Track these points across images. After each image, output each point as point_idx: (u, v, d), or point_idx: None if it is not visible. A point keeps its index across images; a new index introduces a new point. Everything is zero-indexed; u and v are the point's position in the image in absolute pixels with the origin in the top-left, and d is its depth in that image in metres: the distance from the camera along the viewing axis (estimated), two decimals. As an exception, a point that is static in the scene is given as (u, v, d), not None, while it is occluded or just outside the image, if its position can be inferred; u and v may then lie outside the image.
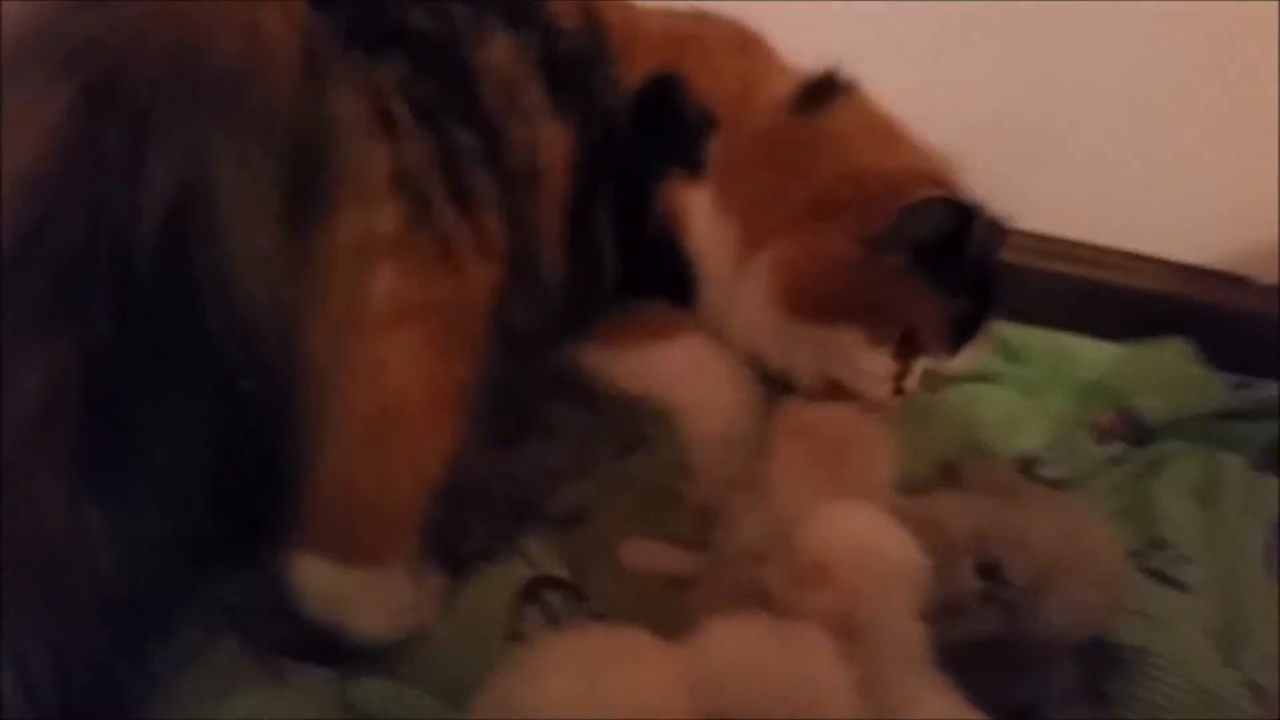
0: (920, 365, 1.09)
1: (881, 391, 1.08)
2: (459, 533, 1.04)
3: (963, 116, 1.31)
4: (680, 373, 1.12)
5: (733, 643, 0.80)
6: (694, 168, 1.07)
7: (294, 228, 0.82)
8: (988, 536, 0.91)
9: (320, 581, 0.91)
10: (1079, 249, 1.41)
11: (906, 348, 1.07)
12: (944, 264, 1.03)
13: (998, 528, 0.92)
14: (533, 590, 1.01)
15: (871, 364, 1.07)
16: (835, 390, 1.09)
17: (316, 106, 0.82)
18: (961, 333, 1.08)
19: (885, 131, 1.11)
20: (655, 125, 1.06)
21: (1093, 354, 1.36)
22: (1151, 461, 1.26)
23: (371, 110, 0.84)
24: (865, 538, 0.88)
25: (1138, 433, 1.29)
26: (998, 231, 1.07)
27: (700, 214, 1.08)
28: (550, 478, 1.11)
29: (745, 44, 1.14)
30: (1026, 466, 1.24)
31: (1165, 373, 1.32)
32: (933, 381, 1.14)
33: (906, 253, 1.02)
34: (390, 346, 0.86)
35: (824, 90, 1.09)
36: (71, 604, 0.79)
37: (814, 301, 1.05)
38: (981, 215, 1.03)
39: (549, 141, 0.98)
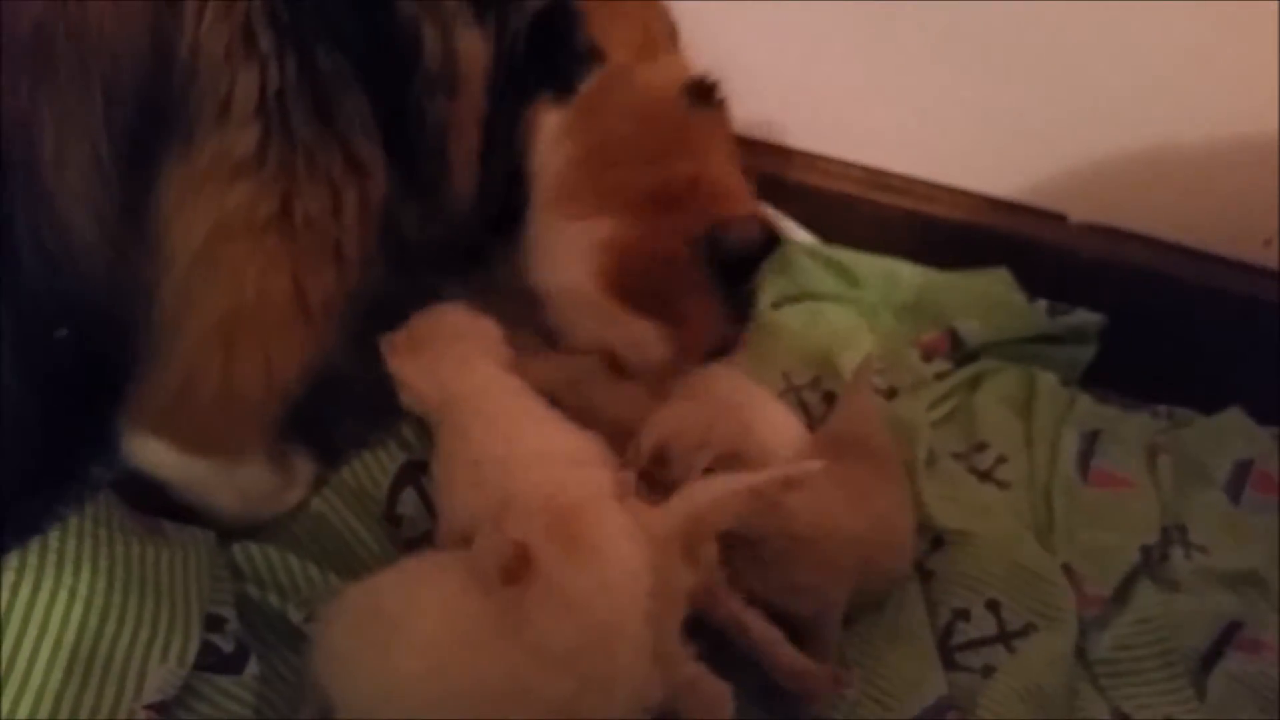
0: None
1: (647, 374, 1.10)
2: (331, 423, 1.08)
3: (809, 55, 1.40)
4: None
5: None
6: (563, 94, 1.04)
7: (132, 163, 0.83)
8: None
9: (162, 464, 0.93)
10: (911, 184, 1.48)
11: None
12: (738, 285, 1.10)
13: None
14: (409, 474, 1.04)
15: (655, 354, 1.09)
16: (612, 359, 1.10)
17: (167, 42, 0.81)
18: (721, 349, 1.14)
19: (733, 150, 1.13)
20: (542, 49, 1.02)
21: (920, 279, 1.43)
22: (973, 376, 1.36)
23: (235, 37, 0.83)
24: None
25: (959, 351, 1.39)
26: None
27: (547, 134, 1.05)
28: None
29: (659, 8, 1.12)
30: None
31: (987, 298, 1.41)
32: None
33: (714, 265, 1.06)
34: (250, 255, 0.87)
35: (708, 92, 1.09)
36: None
37: (632, 290, 1.06)
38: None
39: (467, 52, 0.95)
